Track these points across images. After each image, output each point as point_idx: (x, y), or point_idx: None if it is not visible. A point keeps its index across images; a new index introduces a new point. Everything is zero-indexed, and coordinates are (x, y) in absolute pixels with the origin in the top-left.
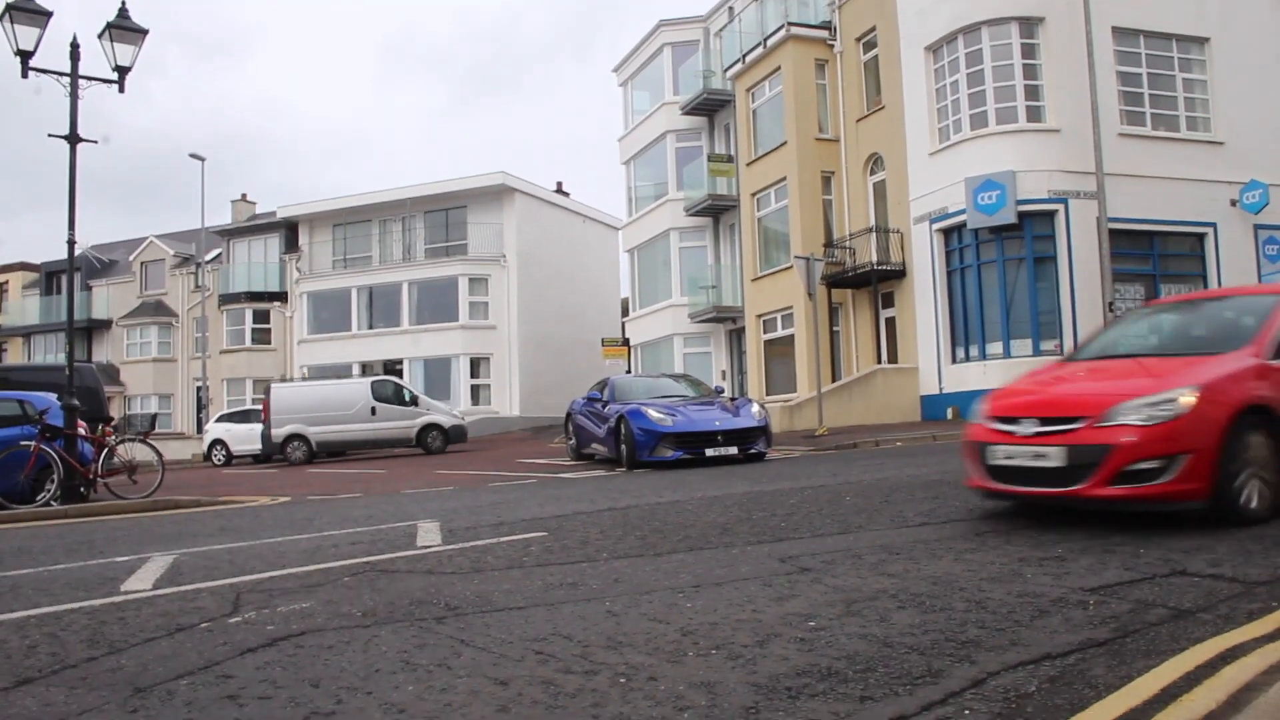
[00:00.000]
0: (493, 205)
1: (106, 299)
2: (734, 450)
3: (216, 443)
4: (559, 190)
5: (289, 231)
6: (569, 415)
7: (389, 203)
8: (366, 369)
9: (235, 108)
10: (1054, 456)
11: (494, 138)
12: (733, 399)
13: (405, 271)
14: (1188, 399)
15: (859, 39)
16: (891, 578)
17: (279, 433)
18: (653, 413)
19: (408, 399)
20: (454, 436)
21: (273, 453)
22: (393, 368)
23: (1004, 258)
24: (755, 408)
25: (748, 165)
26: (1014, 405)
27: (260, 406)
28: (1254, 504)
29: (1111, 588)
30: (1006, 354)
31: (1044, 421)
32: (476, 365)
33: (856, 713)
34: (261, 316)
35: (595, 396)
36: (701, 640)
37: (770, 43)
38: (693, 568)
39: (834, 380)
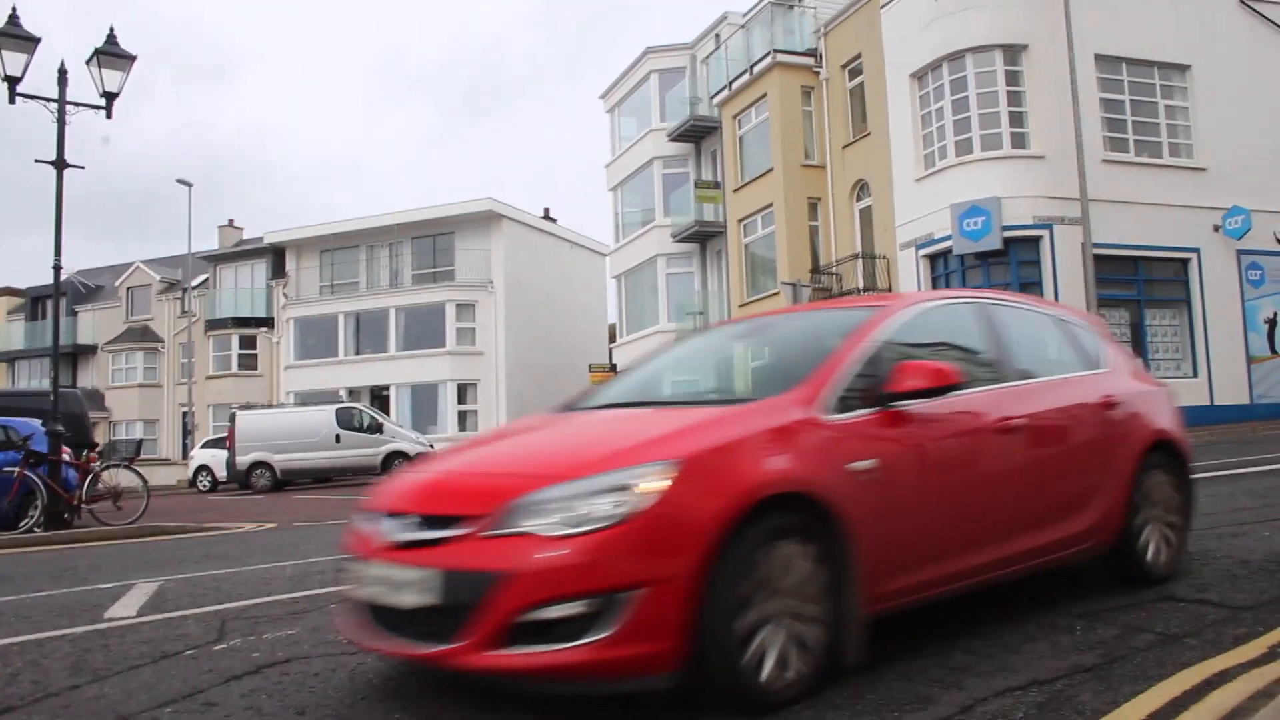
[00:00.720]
0: (480, 231)
1: (92, 324)
2: None
3: (202, 469)
4: (546, 216)
5: (276, 257)
6: None
7: (376, 228)
8: (353, 395)
9: (223, 132)
10: (417, 588)
11: (482, 161)
12: None
13: (392, 297)
14: (651, 485)
15: (844, 66)
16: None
17: (244, 460)
18: None
19: (373, 426)
20: None
21: (238, 480)
22: (380, 394)
23: (989, 284)
24: None
25: (734, 191)
26: (404, 489)
27: None
28: (787, 672)
29: (1099, 612)
30: None
31: (426, 522)
32: (464, 391)
33: None
34: (248, 342)
35: None
36: None
37: (756, 70)
38: None
39: None
